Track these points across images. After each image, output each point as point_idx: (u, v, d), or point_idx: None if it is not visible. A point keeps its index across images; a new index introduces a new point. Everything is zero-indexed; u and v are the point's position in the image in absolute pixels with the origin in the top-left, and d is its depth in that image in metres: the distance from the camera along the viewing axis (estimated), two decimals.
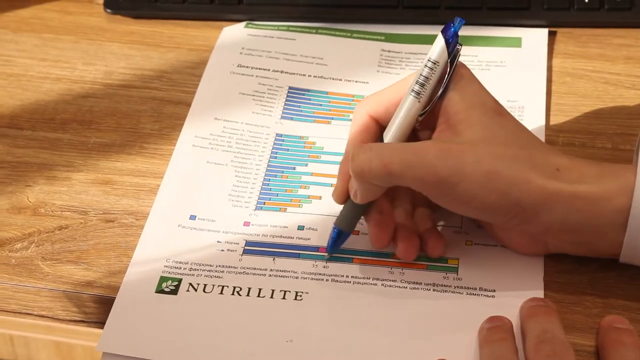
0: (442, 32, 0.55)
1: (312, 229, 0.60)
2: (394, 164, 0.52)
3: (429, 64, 0.54)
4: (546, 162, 0.52)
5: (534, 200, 0.51)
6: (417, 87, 0.54)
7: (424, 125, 0.56)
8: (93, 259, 0.58)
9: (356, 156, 0.53)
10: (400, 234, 0.56)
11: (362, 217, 0.57)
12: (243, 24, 0.75)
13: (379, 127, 0.57)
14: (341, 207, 0.57)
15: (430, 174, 0.51)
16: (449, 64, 0.54)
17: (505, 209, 0.52)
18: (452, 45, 0.55)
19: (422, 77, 0.54)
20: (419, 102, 0.54)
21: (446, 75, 0.54)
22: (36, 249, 0.59)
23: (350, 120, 0.58)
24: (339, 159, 0.63)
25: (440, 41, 0.55)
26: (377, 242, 0.56)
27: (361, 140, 0.56)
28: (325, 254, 0.58)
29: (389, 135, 0.55)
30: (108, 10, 0.76)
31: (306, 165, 0.64)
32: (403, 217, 0.57)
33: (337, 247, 0.57)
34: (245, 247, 0.59)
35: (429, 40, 0.72)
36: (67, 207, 0.62)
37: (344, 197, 0.56)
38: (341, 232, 0.57)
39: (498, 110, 0.54)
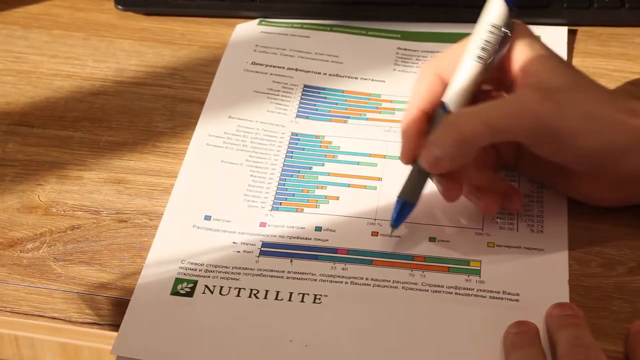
0: None
1: (330, 230, 0.58)
2: (497, 119, 0.52)
3: (491, 28, 0.55)
4: (627, 105, 0.54)
5: (626, 140, 0.53)
6: (480, 52, 0.55)
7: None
8: (106, 259, 0.57)
9: (458, 121, 0.53)
10: (478, 191, 0.57)
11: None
12: (256, 21, 0.74)
13: (444, 87, 0.57)
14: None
15: (536, 121, 0.52)
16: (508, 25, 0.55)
17: (600, 151, 0.53)
18: (510, 7, 0.55)
19: (484, 42, 0.55)
20: (482, 66, 0.55)
21: (508, 36, 0.55)
22: (48, 249, 0.58)
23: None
24: (357, 158, 0.62)
25: (498, 5, 0.55)
26: (450, 193, 0.56)
27: (424, 98, 0.56)
28: (390, 229, 0.57)
29: (452, 102, 0.55)
30: (119, 7, 0.75)
31: (323, 165, 0.63)
32: (476, 177, 0.57)
33: (401, 220, 0.56)
34: (262, 249, 0.57)
35: (446, 38, 0.72)
36: (79, 206, 0.60)
37: (412, 157, 0.56)
38: (405, 204, 0.56)
39: (565, 60, 0.56)
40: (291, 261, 0.57)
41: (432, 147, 0.54)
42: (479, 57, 0.55)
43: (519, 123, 0.53)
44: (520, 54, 0.55)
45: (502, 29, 0.55)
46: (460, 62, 0.56)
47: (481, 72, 0.55)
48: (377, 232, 0.58)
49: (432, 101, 0.56)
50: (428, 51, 0.71)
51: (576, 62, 0.68)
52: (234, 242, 0.58)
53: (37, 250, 0.58)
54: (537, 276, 0.55)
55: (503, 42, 0.55)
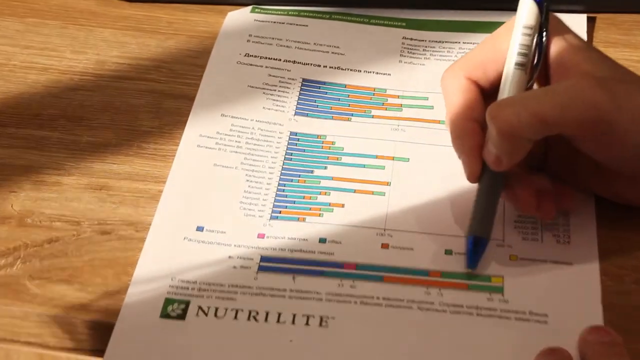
0: None
1: (336, 242, 0.53)
2: (546, 110, 0.47)
3: (526, 31, 0.51)
4: None
5: None
6: (520, 59, 0.51)
7: None
8: (88, 277, 0.51)
9: (499, 113, 0.48)
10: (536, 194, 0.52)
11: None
12: (249, 8, 0.68)
13: (479, 89, 0.52)
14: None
15: (594, 113, 0.47)
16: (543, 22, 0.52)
17: None
18: (541, 5, 0.52)
19: (522, 47, 0.51)
20: (525, 72, 0.51)
21: (543, 35, 0.51)
22: (22, 266, 0.52)
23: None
24: (362, 161, 0.57)
25: (528, 5, 0.52)
26: (527, 205, 0.51)
27: (467, 106, 0.51)
28: (470, 270, 0.51)
29: None
30: None
31: (325, 168, 0.57)
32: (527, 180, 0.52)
33: (478, 259, 0.51)
34: (261, 263, 0.52)
35: (454, 26, 0.66)
36: (57, 216, 0.55)
37: (478, 173, 0.51)
38: (478, 239, 0.50)
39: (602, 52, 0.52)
40: (293, 278, 0.51)
41: (488, 146, 0.49)
42: (519, 64, 0.51)
43: (575, 114, 0.47)
44: (557, 47, 0.50)
45: (534, 29, 0.51)
46: (503, 73, 0.51)
47: (525, 77, 0.51)
48: (388, 244, 0.52)
49: (476, 107, 0.51)
50: (435, 41, 0.65)
51: None
52: (229, 257, 0.52)
53: (10, 267, 0.52)
54: (566, 294, 0.49)
55: (540, 41, 0.51)
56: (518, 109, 0.48)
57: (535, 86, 0.53)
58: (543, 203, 0.52)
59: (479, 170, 0.51)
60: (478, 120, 0.51)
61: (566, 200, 0.53)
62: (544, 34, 0.51)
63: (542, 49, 0.51)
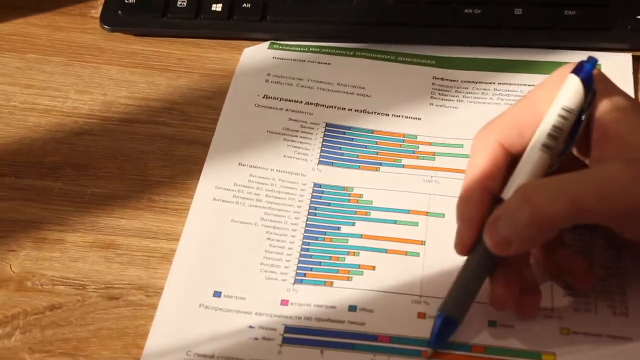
0: (575, 72, 0.45)
1: (367, 310, 0.48)
2: (585, 198, 0.43)
3: (562, 112, 0.45)
4: None
5: None
6: (548, 141, 0.45)
7: None
8: (94, 350, 0.46)
9: (534, 196, 0.43)
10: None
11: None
12: (266, 44, 0.63)
13: (508, 158, 0.47)
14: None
15: (631, 204, 0.43)
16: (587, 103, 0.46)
17: None
18: (588, 87, 0.45)
19: (554, 129, 0.45)
20: (549, 156, 0.45)
21: (582, 117, 0.46)
22: (22, 336, 0.47)
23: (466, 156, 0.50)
24: (394, 216, 0.52)
25: (574, 84, 0.45)
26: (501, 303, 0.46)
27: (487, 174, 0.46)
28: (428, 350, 0.46)
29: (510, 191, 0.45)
30: (105, 27, 0.64)
31: (353, 224, 0.52)
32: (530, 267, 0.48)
33: (444, 340, 0.46)
34: (285, 335, 0.47)
35: (488, 65, 0.61)
36: (60, 279, 0.50)
37: (471, 246, 0.46)
38: (448, 319, 0.46)
39: None
40: (321, 352, 0.46)
41: (500, 225, 0.44)
42: (546, 147, 0.45)
43: (610, 207, 0.43)
44: (602, 112, 0.46)
45: (573, 113, 0.45)
46: (527, 149, 0.46)
47: (547, 161, 0.46)
48: (425, 314, 0.48)
49: (495, 177, 0.46)
50: (468, 81, 0.60)
51: None
52: (250, 327, 0.47)
53: (8, 337, 0.47)
54: None
55: (577, 124, 0.46)
56: (556, 195, 0.43)
57: (574, 151, 0.48)
58: (525, 298, 0.47)
59: (471, 244, 0.46)
60: (492, 192, 0.47)
61: (585, 280, 0.48)
62: (583, 117, 0.45)
63: (576, 134, 0.46)
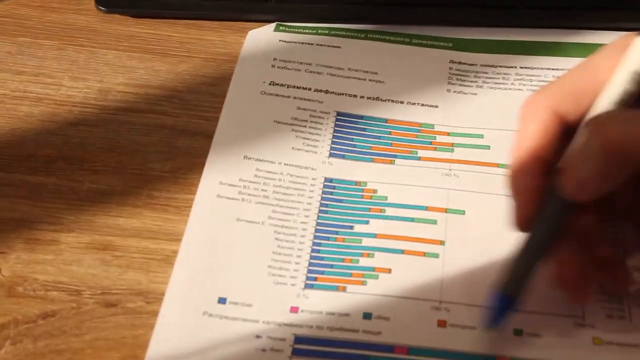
0: None
1: (383, 318, 0.44)
2: None
3: (637, 77, 0.42)
4: None
5: None
6: (615, 106, 0.42)
7: None
8: None
9: (607, 127, 0.40)
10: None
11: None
12: (272, 26, 0.59)
13: (562, 127, 0.43)
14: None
15: None
16: None
17: None
18: None
19: (625, 94, 0.42)
20: None
21: None
22: (12, 348, 0.44)
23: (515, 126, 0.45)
24: (411, 213, 0.49)
25: None
26: (566, 283, 0.43)
27: (542, 144, 0.43)
28: (487, 329, 0.43)
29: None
30: (101, 8, 0.60)
31: (367, 222, 0.49)
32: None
33: (504, 321, 0.43)
34: (295, 346, 0.44)
35: (508, 48, 0.57)
36: (53, 284, 0.46)
37: (530, 221, 0.43)
38: (511, 298, 0.42)
39: None
40: None
41: (573, 165, 0.41)
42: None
43: None
44: None
45: None
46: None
47: None
48: (445, 321, 0.44)
49: (550, 146, 0.43)
50: (488, 65, 0.57)
51: None
52: (257, 336, 0.44)
53: None
54: None
55: None
56: (629, 125, 0.40)
57: None
58: (585, 285, 0.44)
59: (531, 217, 0.43)
60: (546, 162, 0.43)
61: (619, 284, 0.45)
62: None
63: None
